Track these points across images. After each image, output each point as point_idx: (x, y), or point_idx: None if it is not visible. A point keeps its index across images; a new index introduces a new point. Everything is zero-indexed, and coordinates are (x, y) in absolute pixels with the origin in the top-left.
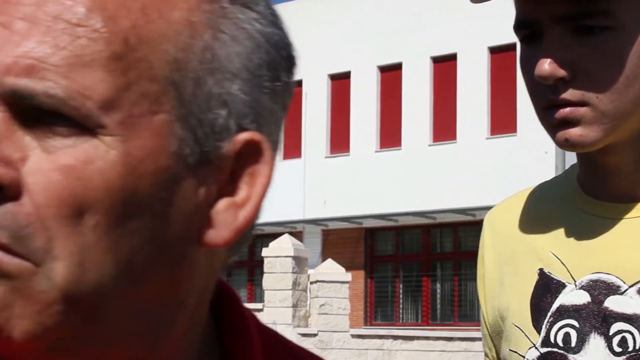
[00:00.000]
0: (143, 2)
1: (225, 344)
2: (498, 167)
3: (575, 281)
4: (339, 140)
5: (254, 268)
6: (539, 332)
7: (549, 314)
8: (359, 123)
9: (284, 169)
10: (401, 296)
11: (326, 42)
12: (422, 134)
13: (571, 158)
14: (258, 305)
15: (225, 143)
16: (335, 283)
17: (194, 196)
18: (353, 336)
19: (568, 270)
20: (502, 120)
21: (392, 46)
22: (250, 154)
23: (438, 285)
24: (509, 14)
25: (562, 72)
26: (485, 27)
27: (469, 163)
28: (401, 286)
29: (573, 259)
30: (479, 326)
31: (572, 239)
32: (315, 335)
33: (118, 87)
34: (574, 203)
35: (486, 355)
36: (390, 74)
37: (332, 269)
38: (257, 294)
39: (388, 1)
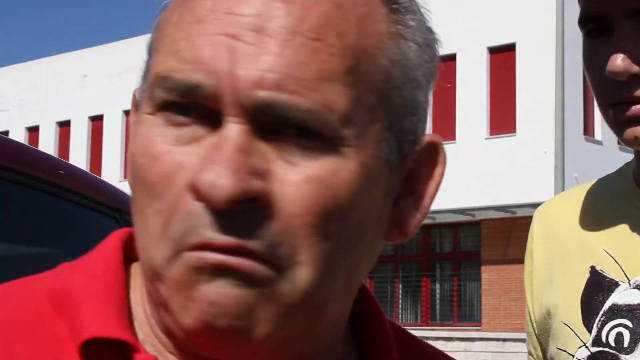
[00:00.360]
0: (357, 16)
1: (364, 339)
2: (497, 167)
3: (629, 280)
4: None
5: None
6: (589, 331)
7: (601, 312)
8: None
9: None
10: (400, 296)
11: None
12: None
13: (571, 159)
14: None
15: (417, 147)
16: None
17: (387, 197)
18: None
19: (622, 268)
20: (502, 121)
21: None
22: (429, 155)
23: (437, 285)
24: (508, 14)
25: (636, 68)
26: (484, 27)
27: (469, 163)
28: (400, 286)
29: (628, 258)
30: (479, 326)
31: (627, 237)
32: None
33: (353, 100)
34: (630, 201)
35: (530, 354)
36: None
37: None
38: None
39: None
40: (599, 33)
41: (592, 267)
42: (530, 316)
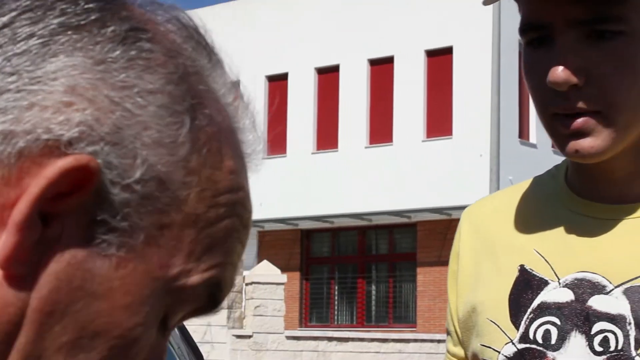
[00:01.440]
0: None
1: None
2: (433, 169)
3: (559, 279)
4: (276, 142)
5: None
6: (517, 328)
7: (529, 310)
8: (295, 124)
9: None
10: (336, 298)
11: (264, 43)
12: (358, 136)
13: (506, 162)
14: None
15: None
16: (271, 285)
17: None
18: (288, 338)
19: (552, 268)
20: (438, 123)
21: (330, 48)
22: None
23: (373, 287)
24: (446, 17)
25: (575, 79)
26: (421, 31)
27: (405, 165)
28: (336, 288)
29: (558, 257)
30: (413, 327)
31: (557, 238)
32: (250, 336)
33: None
34: (561, 202)
35: (448, 351)
36: (328, 76)
37: (267, 270)
38: None
39: (325, 3)
40: (540, 42)
41: (522, 266)
42: (451, 315)
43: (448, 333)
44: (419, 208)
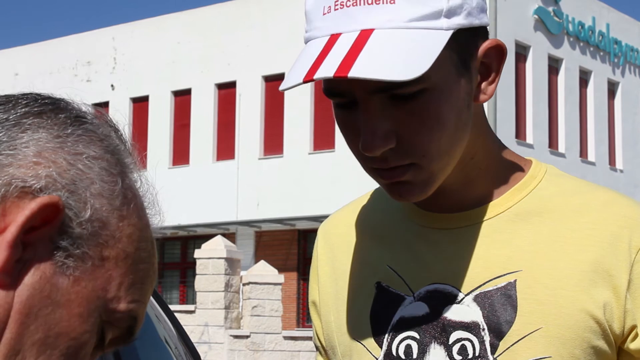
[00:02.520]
0: None
1: None
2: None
3: (413, 293)
4: (273, 142)
5: (186, 269)
6: (380, 346)
7: (390, 327)
8: (292, 125)
9: (217, 170)
10: None
11: (260, 43)
12: None
13: None
14: (190, 307)
15: None
16: (268, 285)
17: None
18: (285, 338)
19: (406, 282)
20: None
21: None
22: None
23: None
24: None
25: (386, 145)
26: None
27: None
28: None
29: (410, 271)
30: None
31: (407, 251)
32: (247, 337)
33: None
34: (406, 215)
35: None
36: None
37: (264, 270)
38: (189, 296)
39: None
40: (348, 106)
41: (378, 283)
42: (317, 333)
43: (317, 348)
44: None
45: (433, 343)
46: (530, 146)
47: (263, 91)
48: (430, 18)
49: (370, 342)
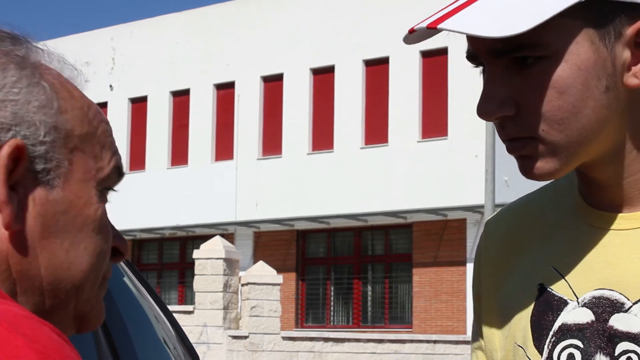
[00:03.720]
0: None
1: None
2: (429, 170)
3: (577, 298)
4: (272, 143)
5: (185, 270)
6: (540, 353)
7: (551, 333)
8: (291, 125)
9: (216, 170)
10: (332, 298)
11: (259, 43)
12: (354, 137)
13: (501, 162)
14: (189, 308)
15: None
16: (267, 285)
17: None
18: (284, 338)
19: (570, 286)
20: (434, 124)
21: (325, 49)
22: None
23: (369, 287)
24: None
25: (501, 112)
26: None
27: (401, 166)
28: (332, 288)
29: (575, 274)
30: (409, 328)
31: (573, 253)
32: (246, 337)
33: None
34: (576, 213)
35: None
36: (323, 77)
37: (263, 271)
38: (188, 296)
39: (321, 3)
40: (483, 70)
41: (541, 285)
42: (479, 334)
43: (474, 347)
44: (415, 209)
45: (598, 353)
46: None
47: (262, 91)
48: None
49: (530, 347)
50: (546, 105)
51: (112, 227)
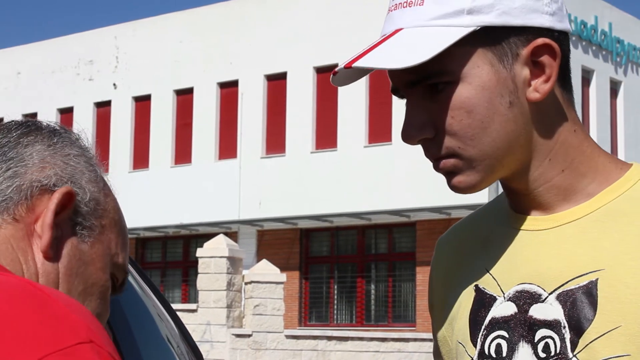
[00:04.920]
0: None
1: None
2: (432, 168)
3: (504, 293)
4: (275, 141)
5: (189, 268)
6: (475, 346)
7: (483, 327)
8: (294, 124)
9: (219, 169)
10: (336, 297)
11: (262, 42)
12: (357, 135)
13: None
14: (192, 306)
15: None
16: (270, 284)
17: None
18: (287, 337)
19: (498, 284)
20: None
21: (329, 47)
22: None
23: (372, 286)
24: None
25: (421, 135)
26: None
27: (404, 164)
28: (336, 287)
29: (502, 273)
30: (413, 327)
31: (501, 254)
32: (249, 335)
33: None
34: (505, 219)
35: None
36: (327, 75)
37: (266, 269)
38: (191, 295)
39: (324, 2)
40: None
41: (476, 286)
42: (437, 341)
43: (434, 354)
44: (418, 207)
45: (521, 341)
46: None
47: (265, 90)
48: (451, 16)
49: (468, 342)
50: (457, 124)
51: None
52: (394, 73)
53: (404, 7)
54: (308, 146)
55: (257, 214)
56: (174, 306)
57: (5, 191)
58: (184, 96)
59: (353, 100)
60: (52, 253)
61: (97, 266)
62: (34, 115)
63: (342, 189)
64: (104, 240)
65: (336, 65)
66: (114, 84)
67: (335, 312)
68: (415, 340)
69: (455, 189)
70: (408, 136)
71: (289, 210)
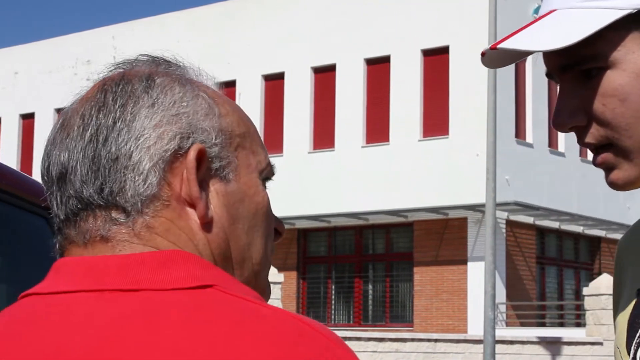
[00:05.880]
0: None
1: None
2: (430, 169)
3: None
4: (273, 141)
5: None
6: (629, 353)
7: (638, 334)
8: (292, 124)
9: None
10: (333, 297)
11: (260, 42)
12: (355, 136)
13: (502, 161)
14: None
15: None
16: None
17: None
18: None
19: None
20: (435, 123)
21: (326, 47)
22: None
23: (370, 286)
24: (442, 16)
25: (572, 122)
26: (418, 30)
27: (402, 165)
28: (333, 287)
29: None
30: (410, 327)
31: None
32: None
33: None
34: None
35: None
36: (324, 75)
37: None
38: None
39: (322, 2)
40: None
41: (638, 290)
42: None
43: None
44: (416, 207)
45: None
46: (530, 145)
47: (263, 90)
48: None
49: (624, 349)
50: (610, 113)
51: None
52: (547, 57)
53: None
54: (306, 146)
55: None
56: None
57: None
58: None
59: (350, 100)
60: (211, 217)
61: (250, 193)
62: (32, 115)
63: (339, 189)
64: (243, 163)
65: (333, 66)
66: None
67: (332, 312)
68: (412, 340)
69: (614, 185)
70: (558, 123)
71: (286, 210)
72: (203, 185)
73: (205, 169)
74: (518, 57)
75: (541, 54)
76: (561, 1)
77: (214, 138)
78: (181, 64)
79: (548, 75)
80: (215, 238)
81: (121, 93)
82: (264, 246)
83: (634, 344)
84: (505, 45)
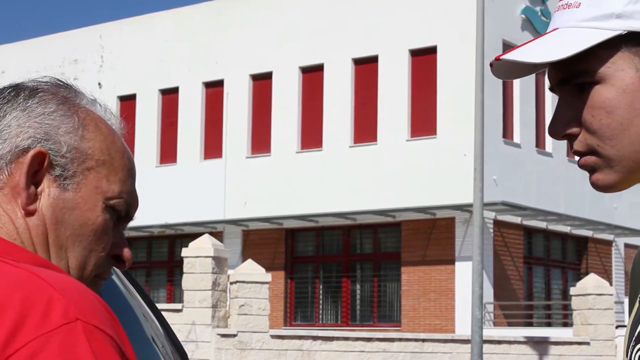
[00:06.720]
0: None
1: None
2: (418, 169)
3: None
4: (260, 141)
5: (174, 268)
6: (627, 355)
7: (634, 337)
8: (280, 124)
9: (204, 169)
10: (321, 297)
11: (248, 42)
12: (343, 135)
13: (490, 161)
14: (177, 306)
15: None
16: (255, 284)
17: None
18: (272, 337)
19: None
20: (422, 123)
21: (314, 47)
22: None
23: (358, 286)
24: (430, 16)
25: (565, 131)
26: (406, 30)
27: (389, 165)
28: (321, 287)
29: None
30: (398, 327)
31: None
32: (234, 335)
33: None
34: None
35: None
36: (312, 75)
37: (252, 269)
38: (176, 295)
39: (311, 2)
40: None
41: None
42: None
43: None
44: (403, 207)
45: None
46: (517, 146)
47: (251, 90)
48: (601, 19)
49: (624, 353)
50: (597, 123)
51: (122, 238)
52: (549, 72)
53: (564, 8)
54: (293, 146)
55: (242, 213)
56: (159, 306)
57: None
58: (169, 96)
59: (338, 100)
60: (33, 209)
61: (85, 208)
62: None
63: (327, 189)
64: (89, 182)
65: (321, 66)
66: (99, 84)
67: (320, 312)
68: (400, 340)
69: (595, 186)
70: (554, 132)
71: (274, 210)
72: (37, 183)
73: (44, 171)
74: (526, 72)
75: (546, 69)
76: (564, 21)
77: (64, 151)
78: (79, 92)
79: (551, 89)
80: (35, 228)
81: (8, 96)
82: (84, 257)
83: (630, 347)
84: (507, 57)
